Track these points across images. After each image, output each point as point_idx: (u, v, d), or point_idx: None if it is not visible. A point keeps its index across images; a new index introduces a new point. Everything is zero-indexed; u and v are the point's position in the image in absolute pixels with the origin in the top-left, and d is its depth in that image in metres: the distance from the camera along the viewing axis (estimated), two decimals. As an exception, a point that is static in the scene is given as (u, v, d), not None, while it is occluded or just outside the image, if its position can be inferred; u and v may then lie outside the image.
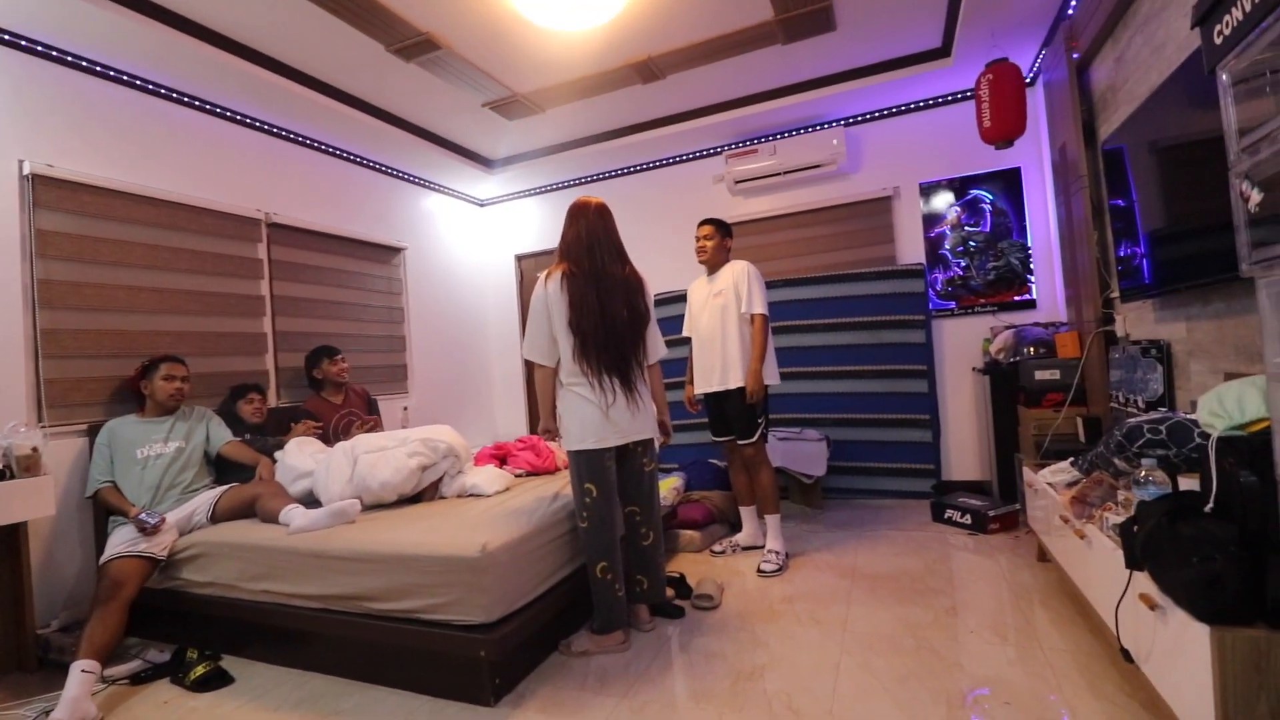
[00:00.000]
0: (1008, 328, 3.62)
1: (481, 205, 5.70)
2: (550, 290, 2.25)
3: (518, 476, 3.01)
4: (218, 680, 2.18)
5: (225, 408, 3.17)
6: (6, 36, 2.66)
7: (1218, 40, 1.26)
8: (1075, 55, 3.07)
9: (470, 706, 1.91)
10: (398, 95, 3.78)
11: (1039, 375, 3.15)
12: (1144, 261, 2.47)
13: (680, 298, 3.49)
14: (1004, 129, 3.23)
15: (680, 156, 4.87)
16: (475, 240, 5.61)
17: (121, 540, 2.39)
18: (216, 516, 2.60)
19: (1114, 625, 1.62)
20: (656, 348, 2.43)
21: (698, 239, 3.09)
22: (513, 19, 3.04)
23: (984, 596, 2.45)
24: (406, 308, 4.76)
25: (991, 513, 3.19)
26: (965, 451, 4.07)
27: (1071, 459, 2.38)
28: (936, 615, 2.30)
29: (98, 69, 2.97)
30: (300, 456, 2.80)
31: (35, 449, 2.34)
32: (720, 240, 3.07)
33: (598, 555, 2.23)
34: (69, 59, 2.87)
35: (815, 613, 2.40)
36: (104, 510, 2.61)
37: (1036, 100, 3.76)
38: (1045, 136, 3.75)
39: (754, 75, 3.84)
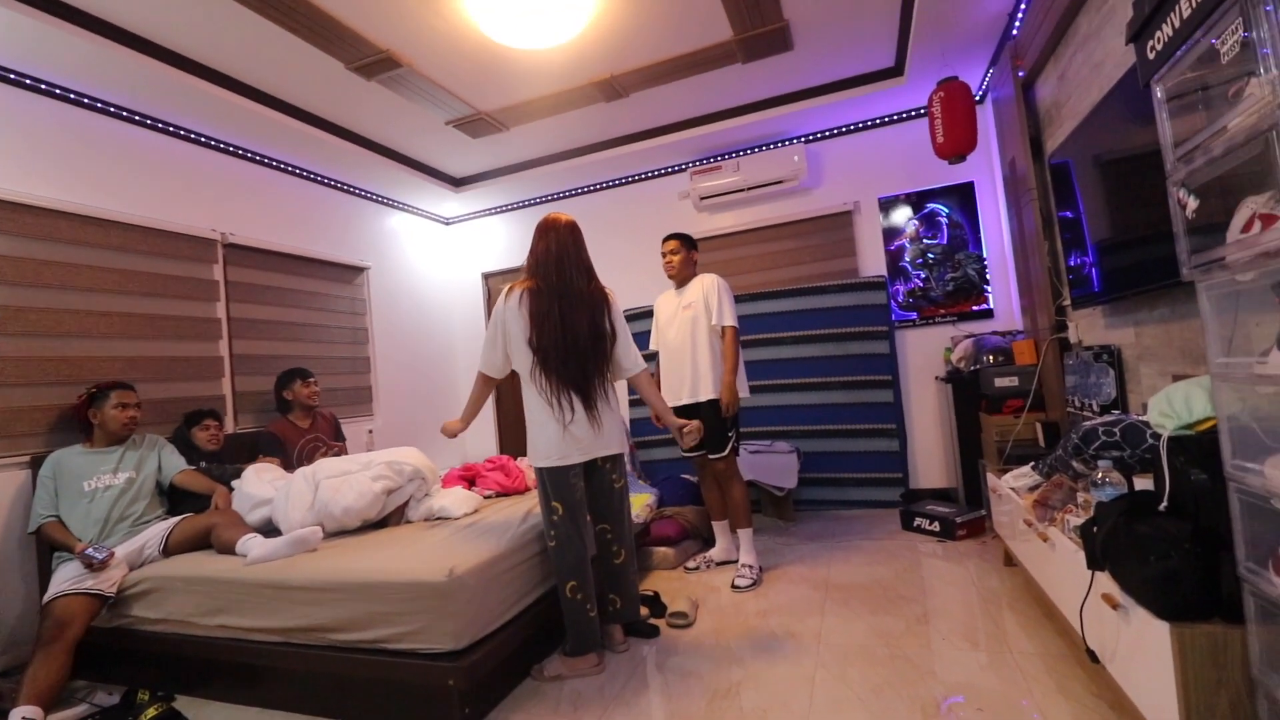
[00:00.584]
0: (967, 337, 3.71)
1: (447, 224, 5.65)
2: (509, 306, 2.23)
3: (487, 498, 2.95)
4: (170, 722, 2.07)
5: (179, 435, 3.05)
6: (-58, 54, 2.56)
7: (1150, 55, 1.33)
8: (1021, 73, 3.20)
9: (439, 738, 1.85)
10: (359, 113, 3.74)
11: (999, 382, 3.24)
12: (1093, 270, 2.56)
13: (648, 313, 3.50)
14: (956, 145, 3.34)
15: (646, 173, 4.92)
16: (441, 259, 5.55)
17: (66, 577, 2.27)
18: (169, 549, 2.49)
19: (1079, 626, 1.65)
20: (634, 360, 2.39)
21: (664, 254, 3.10)
22: (475, 37, 3.04)
23: (954, 603, 2.48)
24: (371, 328, 4.67)
25: (959, 519, 3.24)
26: (931, 459, 4.14)
27: (1032, 463, 2.43)
28: (909, 624, 2.31)
29: (42, 86, 2.88)
30: (258, 484, 2.70)
31: (-29, 484, 2.21)
32: (686, 254, 3.09)
33: (567, 574, 2.19)
34: (11, 76, 2.77)
35: (790, 626, 2.39)
36: (48, 546, 2.47)
37: (986, 116, 3.90)
38: (996, 151, 3.89)
39: (715, 94, 3.91)
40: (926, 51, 3.34)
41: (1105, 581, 1.49)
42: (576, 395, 2.21)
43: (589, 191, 5.13)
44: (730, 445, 2.92)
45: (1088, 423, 1.90)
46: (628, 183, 5.00)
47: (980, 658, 2.02)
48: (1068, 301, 3.01)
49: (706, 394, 2.91)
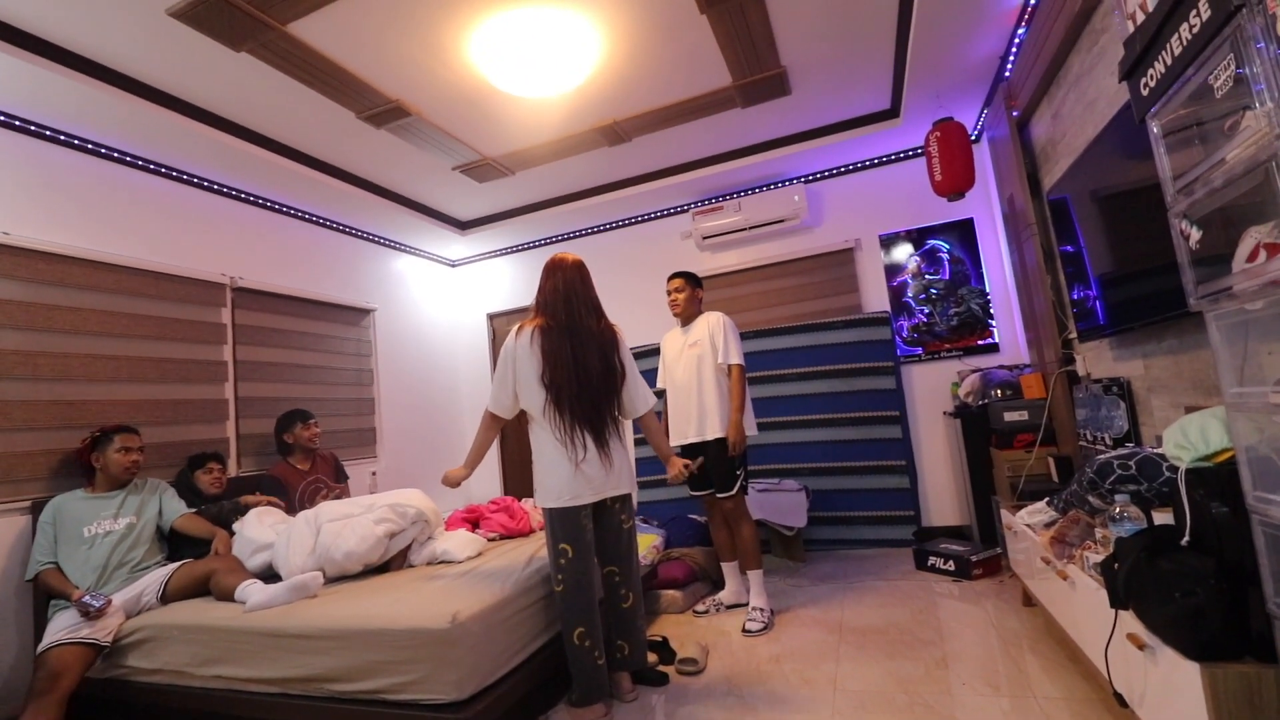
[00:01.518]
0: (974, 371, 3.69)
1: (453, 265, 5.72)
2: (520, 344, 2.23)
3: (491, 540, 2.90)
4: (162, 780, 2.00)
5: (182, 478, 3.03)
6: (-34, 108, 2.65)
7: (1144, 92, 1.35)
8: (1015, 113, 3.26)
9: (441, 794, 1.77)
10: (368, 160, 3.83)
11: (1008, 416, 3.20)
12: (1097, 303, 2.56)
13: (654, 351, 3.51)
14: (954, 182, 3.39)
15: (649, 214, 4.99)
16: (447, 300, 5.60)
17: (62, 626, 2.22)
18: (167, 596, 2.44)
19: (1105, 668, 1.59)
20: (644, 398, 2.40)
21: (669, 293, 3.12)
22: (481, 86, 3.14)
23: (973, 645, 2.40)
24: (376, 369, 4.68)
25: (974, 558, 3.16)
26: (943, 496, 4.07)
27: (1047, 499, 2.38)
28: (927, 668, 2.23)
29: (61, 137, 2.96)
30: (259, 528, 2.66)
31: (-30, 530, 2.19)
32: (691, 292, 3.10)
33: (575, 620, 2.13)
34: (32, 128, 2.85)
35: (804, 672, 2.31)
36: (44, 594, 2.43)
37: (983, 155, 3.97)
38: (994, 188, 3.94)
39: (716, 136, 3.99)
40: (921, 94, 3.43)
41: (1129, 620, 1.44)
42: (589, 433, 2.18)
43: (593, 233, 5.20)
44: (739, 484, 2.88)
45: (1102, 456, 1.86)
46: (632, 223, 5.07)
47: (1003, 703, 1.94)
48: (1074, 334, 3.01)
49: (714, 432, 2.89)
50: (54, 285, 2.88)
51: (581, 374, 2.19)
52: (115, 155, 3.18)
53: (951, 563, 3.24)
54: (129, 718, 2.28)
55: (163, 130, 3.03)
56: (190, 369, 3.40)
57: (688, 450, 3.02)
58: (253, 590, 2.23)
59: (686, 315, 3.11)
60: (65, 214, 2.97)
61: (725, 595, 3.10)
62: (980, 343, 4.06)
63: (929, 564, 3.36)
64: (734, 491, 2.87)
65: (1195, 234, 1.27)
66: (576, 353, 2.20)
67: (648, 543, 3.21)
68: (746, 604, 2.91)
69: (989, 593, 2.93)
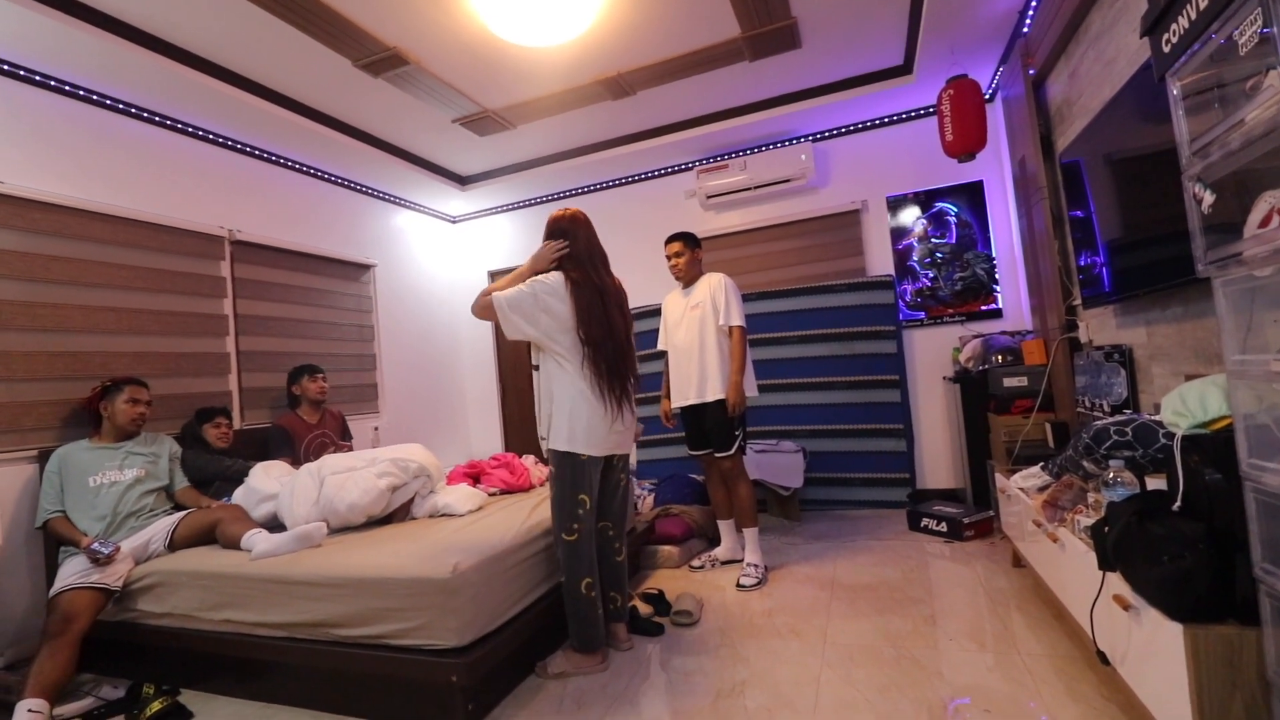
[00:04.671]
0: (976, 336, 3.68)
1: (454, 222, 5.65)
2: (554, 287, 2.16)
3: (491, 495, 2.94)
4: (176, 716, 2.07)
5: (189, 430, 3.07)
6: (-47, 50, 2.57)
7: (1166, 48, 1.30)
8: (1031, 71, 3.17)
9: (442, 735, 1.84)
10: (366, 111, 3.75)
11: (1007, 382, 3.21)
12: (1104, 270, 2.53)
13: (655, 311, 3.49)
14: (965, 143, 3.31)
15: (652, 172, 4.91)
16: (447, 257, 5.56)
17: (72, 571, 2.28)
18: (175, 543, 2.50)
19: (1089, 628, 1.63)
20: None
21: (668, 256, 3.09)
22: (481, 35, 3.04)
23: (962, 604, 2.45)
24: (377, 325, 4.68)
25: (966, 520, 3.22)
26: (939, 460, 4.11)
27: (1042, 463, 2.41)
28: (916, 624, 2.29)
29: (50, 83, 2.89)
30: (265, 479, 2.70)
31: (-21, 477, 2.22)
32: (690, 254, 3.07)
33: (583, 571, 2.16)
34: (21, 73, 2.78)
35: (795, 625, 2.37)
36: (54, 541, 2.48)
37: (996, 115, 3.87)
38: (1005, 150, 3.86)
39: (723, 92, 3.89)
40: (936, 49, 3.32)
41: (1116, 582, 1.47)
42: (620, 390, 2.24)
43: (595, 190, 5.12)
44: (737, 444, 2.90)
45: (1099, 422, 1.87)
46: (634, 181, 4.99)
47: (988, 659, 2.00)
48: (1078, 301, 2.99)
49: (714, 394, 2.90)
50: (51, 235, 2.85)
51: (612, 331, 2.23)
52: (105, 102, 3.10)
53: (944, 524, 3.29)
54: (140, 659, 2.35)
55: (158, 78, 2.95)
56: (191, 322, 3.39)
57: (687, 411, 3.04)
58: (258, 539, 2.28)
59: (688, 277, 3.09)
60: (59, 163, 2.91)
61: (721, 551, 3.16)
62: (984, 308, 4.04)
63: (921, 525, 3.41)
64: (732, 451, 2.90)
65: (1208, 197, 1.24)
66: (609, 311, 2.24)
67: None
68: (741, 560, 2.98)
69: (980, 554, 2.99)
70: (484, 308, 2.18)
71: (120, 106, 3.16)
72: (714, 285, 2.98)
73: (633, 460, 4.70)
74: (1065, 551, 1.85)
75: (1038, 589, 2.40)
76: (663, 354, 3.21)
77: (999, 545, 3.05)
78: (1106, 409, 2.58)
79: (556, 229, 2.29)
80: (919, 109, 4.14)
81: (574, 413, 2.18)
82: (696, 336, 2.97)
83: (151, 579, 2.32)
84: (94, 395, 2.71)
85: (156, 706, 2.07)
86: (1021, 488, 2.40)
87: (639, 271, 4.71)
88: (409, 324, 5.01)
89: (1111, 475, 1.66)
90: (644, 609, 2.58)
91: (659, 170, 4.88)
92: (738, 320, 2.90)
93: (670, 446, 4.44)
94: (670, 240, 3.10)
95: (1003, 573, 2.71)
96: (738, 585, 2.81)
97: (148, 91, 3.10)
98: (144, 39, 2.79)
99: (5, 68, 2.73)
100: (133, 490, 2.59)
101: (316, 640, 2.00)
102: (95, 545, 2.30)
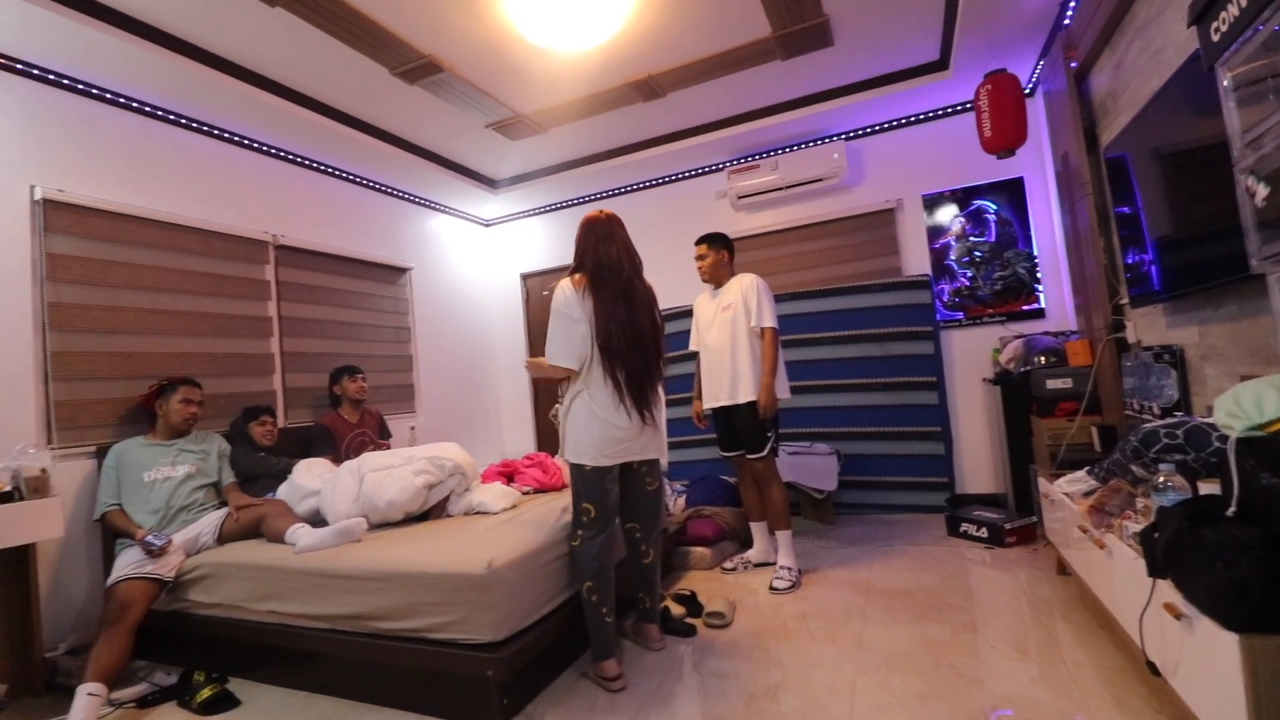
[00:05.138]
0: (1017, 337, 3.58)
1: (486, 225, 5.74)
2: (576, 297, 2.14)
3: (525, 494, 2.98)
4: (224, 703, 2.15)
5: (237, 428, 3.18)
6: (19, 65, 2.72)
7: (1215, 37, 1.26)
8: (1074, 64, 3.08)
9: (478, 728, 1.87)
10: (402, 118, 3.84)
11: (1051, 384, 3.12)
12: (1152, 267, 2.45)
13: (687, 313, 3.49)
14: (1005, 139, 3.23)
15: (683, 173, 4.91)
16: (481, 260, 5.65)
17: (128, 562, 2.38)
18: (223, 537, 2.60)
19: (1139, 637, 1.58)
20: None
21: (695, 259, 3.10)
22: (514, 41, 3.09)
23: (1003, 611, 2.39)
24: (413, 327, 4.78)
25: (1008, 525, 3.13)
26: (978, 463, 4.01)
27: (1088, 468, 2.33)
28: (955, 631, 2.24)
29: (108, 96, 3.03)
30: (308, 476, 2.79)
31: (44, 470, 2.34)
32: (717, 255, 3.06)
33: (587, 576, 2.13)
34: (79, 86, 2.93)
35: (830, 630, 2.35)
36: (111, 533, 2.60)
37: (1037, 110, 3.77)
38: (1047, 146, 3.76)
39: (754, 91, 3.88)
40: (973, 44, 3.25)
41: (1167, 590, 1.42)
42: (636, 398, 2.16)
43: (626, 192, 5.14)
44: (769, 446, 2.88)
45: (1148, 425, 1.81)
46: (665, 183, 5.00)
47: (1031, 669, 1.94)
48: (1125, 300, 2.89)
49: (746, 396, 2.88)
50: (108, 241, 2.99)
51: (636, 338, 2.17)
52: (158, 113, 3.24)
53: (984, 530, 3.21)
54: (191, 647, 2.44)
55: (204, 88, 3.07)
56: (238, 324, 3.52)
57: (719, 413, 3.03)
58: (302, 533, 2.35)
59: (717, 278, 3.08)
60: (116, 172, 3.05)
61: (753, 554, 3.14)
62: (1025, 308, 3.93)
63: (961, 530, 3.34)
64: (764, 453, 2.88)
65: (1262, 191, 1.20)
66: (631, 315, 2.17)
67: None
68: (774, 563, 2.95)
69: (1022, 560, 2.91)
70: (554, 371, 2.19)
71: (172, 117, 3.30)
72: (745, 286, 2.96)
73: (665, 462, 4.69)
74: (1113, 558, 1.79)
75: (1083, 597, 2.33)
76: (694, 355, 3.21)
77: (1042, 552, 2.96)
78: (1156, 411, 2.49)
79: (577, 239, 2.27)
80: (955, 105, 4.06)
81: (582, 423, 2.15)
82: (728, 338, 2.96)
83: (201, 570, 2.41)
84: (150, 394, 2.84)
85: (206, 693, 2.15)
86: (1066, 493, 2.33)
87: (670, 273, 4.72)
88: (444, 326, 5.10)
89: (1162, 479, 1.60)
90: (676, 610, 2.58)
91: (690, 171, 4.89)
92: (770, 321, 2.88)
93: (702, 448, 4.43)
94: (697, 242, 3.10)
95: (1046, 580, 2.63)
96: (771, 588, 2.79)
97: (198, 103, 3.23)
98: (193, 51, 2.91)
99: (65, 82, 2.87)
100: (184, 485, 2.69)
101: (357, 632, 2.05)
102: (149, 538, 2.40)
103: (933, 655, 2.08)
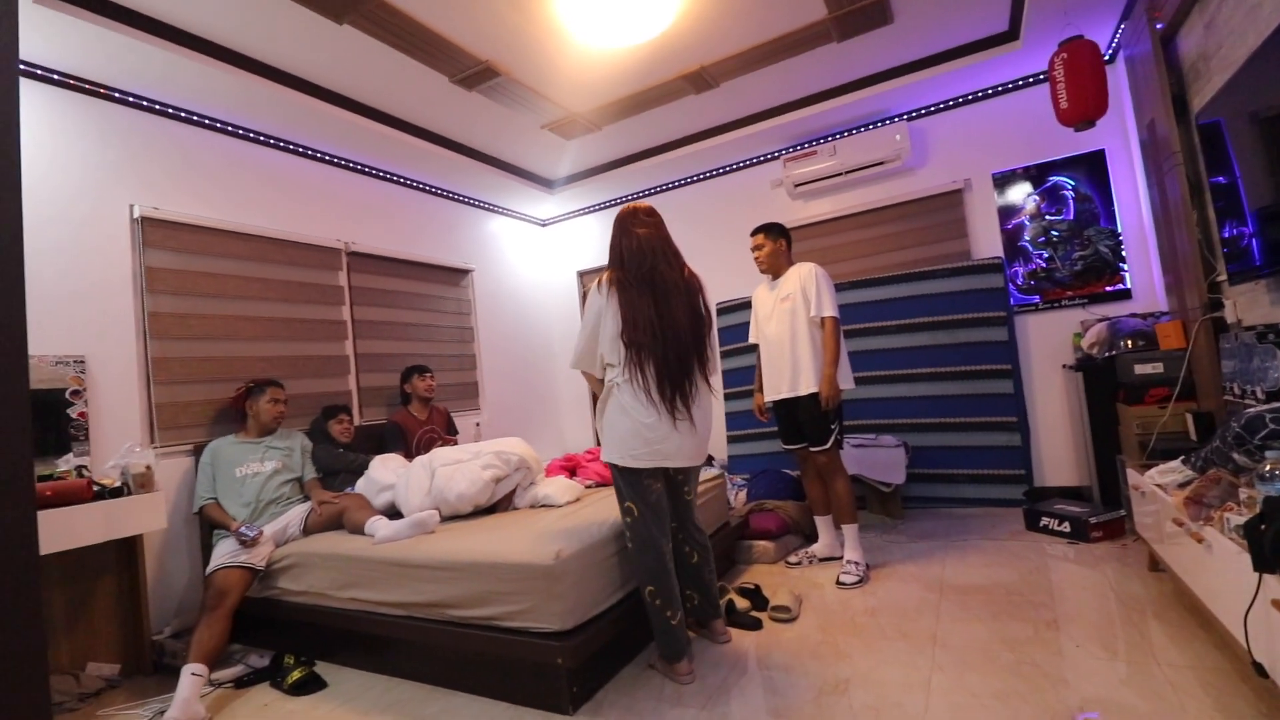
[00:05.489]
0: (1100, 320, 3.38)
1: (543, 225, 5.84)
2: (602, 298, 2.12)
3: (588, 487, 3.03)
4: (313, 684, 2.29)
5: (317, 426, 3.36)
6: (117, 94, 2.95)
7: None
8: (1159, 25, 2.86)
9: (549, 714, 1.92)
10: (461, 123, 3.95)
11: (1139, 369, 2.93)
12: (1253, 241, 2.26)
13: (744, 305, 3.45)
14: (1083, 110, 3.04)
15: (737, 164, 4.85)
16: (538, 259, 5.76)
17: (224, 552, 2.56)
18: (308, 529, 2.75)
19: (1243, 637, 1.47)
20: (716, 361, 2.29)
21: (751, 249, 3.06)
22: (566, 41, 3.13)
23: (1089, 609, 2.27)
24: (476, 327, 4.92)
25: (1093, 520, 2.96)
26: (1059, 455, 3.81)
27: (1182, 457, 2.18)
28: (1036, 629, 2.14)
29: (194, 118, 3.25)
30: (383, 471, 2.93)
31: (149, 467, 2.54)
32: (774, 244, 3.01)
33: (645, 578, 2.09)
34: (169, 110, 3.15)
35: (901, 626, 2.28)
36: (208, 525, 2.80)
37: (1118, 77, 3.53)
38: (1130, 114, 3.51)
39: (809, 76, 3.79)
40: (1046, 11, 3.07)
41: (1275, 586, 1.32)
42: (672, 396, 2.04)
43: (680, 185, 5.13)
44: (833, 438, 2.83)
45: (1251, 410, 1.68)
46: (720, 174, 4.96)
47: (1120, 669, 1.84)
48: (1223, 277, 2.67)
49: (807, 388, 2.83)
50: (198, 254, 3.20)
51: (668, 330, 2.05)
52: (238, 132, 3.45)
53: (1067, 524, 3.05)
54: (282, 632, 2.60)
55: (276, 104, 3.25)
56: (315, 328, 3.71)
57: (780, 405, 2.99)
58: (379, 525, 2.47)
59: (775, 269, 3.03)
60: (201, 188, 3.27)
61: (818, 548, 3.09)
62: (1109, 289, 3.70)
63: (1041, 524, 3.18)
64: (828, 446, 2.83)
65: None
66: (660, 308, 2.06)
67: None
68: (840, 558, 2.90)
69: (1109, 557, 2.75)
70: (585, 376, 2.25)
71: (248, 134, 3.51)
72: (804, 276, 2.91)
73: (724, 455, 4.67)
74: (1212, 553, 1.67)
75: (1179, 595, 2.18)
76: (754, 347, 3.17)
77: (1132, 547, 2.79)
78: (1260, 395, 2.30)
79: (615, 227, 2.21)
80: (1027, 77, 3.85)
81: (613, 422, 2.09)
82: (788, 329, 2.91)
83: (289, 560, 2.56)
84: (239, 395, 3.04)
85: (297, 675, 2.29)
86: (1159, 484, 2.18)
87: (726, 265, 4.70)
88: (504, 324, 5.23)
89: (1268, 468, 1.48)
90: (741, 603, 2.57)
91: (744, 161, 4.82)
92: (830, 311, 2.82)
93: (763, 441, 4.38)
94: (753, 233, 3.06)
95: (1137, 577, 2.48)
96: (838, 583, 2.74)
97: (271, 119, 3.42)
98: (269, 71, 3.08)
99: (156, 106, 3.10)
100: (272, 480, 2.87)
101: (433, 620, 2.14)
102: (242, 529, 2.58)
103: (1013, 653, 1.99)
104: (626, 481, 2.10)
